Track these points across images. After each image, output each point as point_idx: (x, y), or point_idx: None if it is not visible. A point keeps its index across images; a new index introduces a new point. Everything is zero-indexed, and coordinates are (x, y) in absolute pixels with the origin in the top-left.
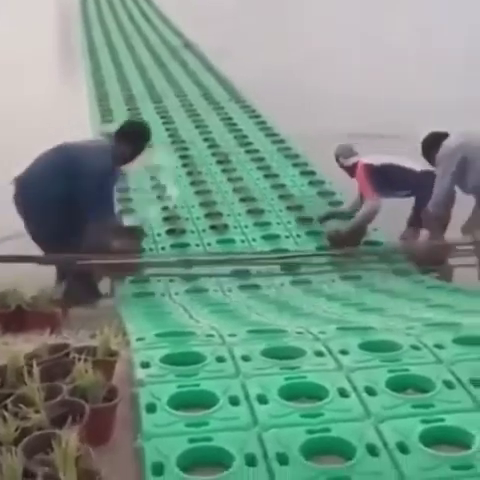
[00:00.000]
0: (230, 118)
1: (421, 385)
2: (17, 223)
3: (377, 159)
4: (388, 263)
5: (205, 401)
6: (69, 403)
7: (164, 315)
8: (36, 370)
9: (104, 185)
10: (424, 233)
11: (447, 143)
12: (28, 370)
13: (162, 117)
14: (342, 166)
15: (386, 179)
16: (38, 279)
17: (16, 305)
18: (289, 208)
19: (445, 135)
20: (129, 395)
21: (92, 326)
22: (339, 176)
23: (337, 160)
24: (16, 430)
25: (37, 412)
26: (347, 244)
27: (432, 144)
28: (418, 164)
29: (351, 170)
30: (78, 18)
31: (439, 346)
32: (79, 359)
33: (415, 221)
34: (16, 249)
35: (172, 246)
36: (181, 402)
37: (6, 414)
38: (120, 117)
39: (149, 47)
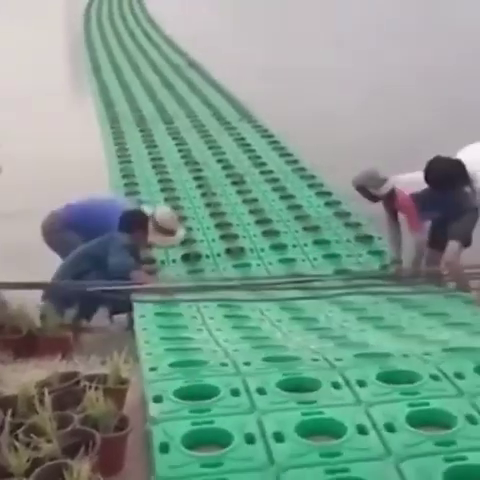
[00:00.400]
0: (242, 138)
1: (442, 420)
2: None
3: (414, 181)
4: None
5: (220, 439)
6: (80, 432)
7: (181, 333)
8: (47, 399)
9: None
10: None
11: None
12: (39, 399)
13: (174, 138)
14: (371, 196)
15: (425, 203)
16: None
17: (27, 330)
18: (305, 229)
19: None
20: (140, 424)
21: (103, 350)
22: None
23: (362, 189)
24: (28, 461)
25: (49, 442)
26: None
27: (460, 172)
28: None
29: (386, 199)
30: (82, 40)
31: (459, 375)
32: (90, 387)
33: (435, 243)
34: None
35: (188, 272)
36: (195, 441)
37: (17, 444)
38: (133, 139)
39: (154, 66)
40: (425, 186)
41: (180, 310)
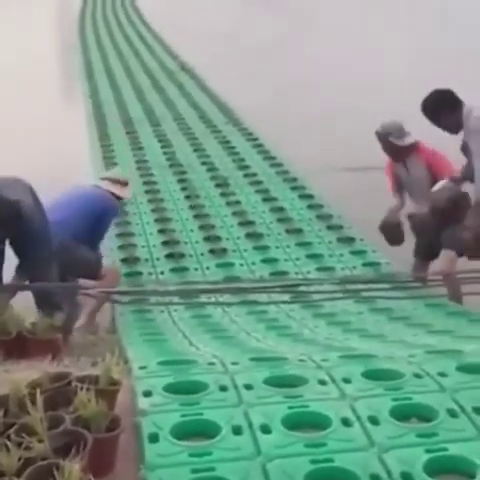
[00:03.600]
0: (228, 141)
1: (424, 414)
2: None
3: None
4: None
5: (208, 430)
6: (72, 433)
7: (164, 342)
8: (39, 399)
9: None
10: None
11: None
12: (31, 399)
13: (160, 141)
14: (391, 146)
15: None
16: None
17: (17, 332)
18: (288, 231)
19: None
20: (132, 425)
21: (93, 353)
22: None
23: (384, 137)
24: (19, 460)
25: (40, 441)
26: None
27: (442, 104)
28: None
29: (403, 151)
30: (76, 41)
31: (442, 374)
32: (81, 388)
33: (428, 255)
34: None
35: (171, 270)
36: (184, 432)
37: (9, 444)
38: (118, 140)
39: (146, 70)
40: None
41: (158, 316)
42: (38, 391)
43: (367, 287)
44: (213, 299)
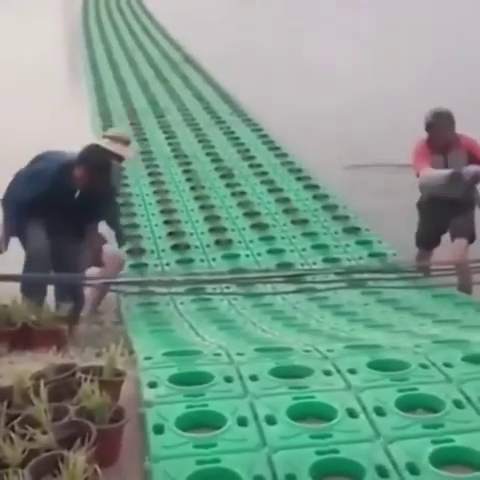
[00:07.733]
0: (232, 132)
1: (430, 404)
2: None
3: None
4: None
5: (213, 422)
6: (76, 424)
7: (170, 332)
8: (43, 391)
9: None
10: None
11: None
12: (35, 391)
13: (164, 132)
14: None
15: None
16: None
17: (22, 323)
18: (293, 222)
19: None
20: (136, 416)
21: (98, 343)
22: None
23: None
24: (23, 452)
25: (44, 433)
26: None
27: None
28: None
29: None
30: (80, 34)
31: (448, 364)
32: (85, 379)
33: (430, 245)
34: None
35: (177, 262)
36: (189, 423)
37: (13, 435)
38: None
39: (150, 61)
40: None
41: (164, 308)
42: (42, 382)
43: (372, 277)
44: (219, 290)
